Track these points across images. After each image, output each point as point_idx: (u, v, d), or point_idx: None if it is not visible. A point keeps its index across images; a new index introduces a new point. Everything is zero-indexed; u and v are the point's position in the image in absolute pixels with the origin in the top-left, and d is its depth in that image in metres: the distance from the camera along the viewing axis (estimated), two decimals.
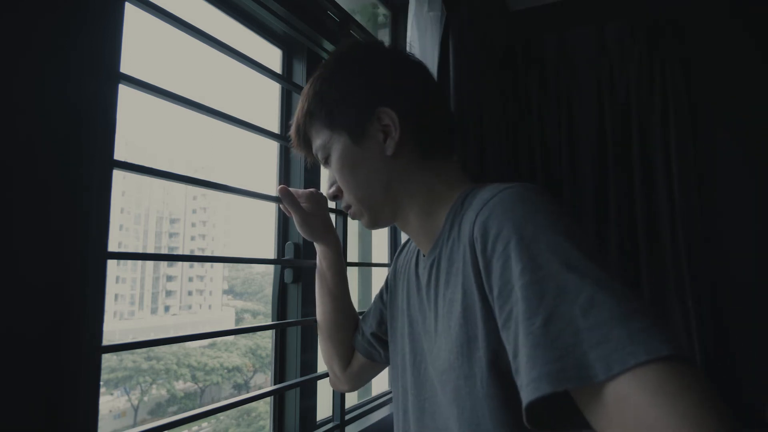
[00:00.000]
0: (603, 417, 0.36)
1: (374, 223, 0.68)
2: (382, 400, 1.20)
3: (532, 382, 0.37)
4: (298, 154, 0.73)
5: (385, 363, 0.82)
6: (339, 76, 0.64)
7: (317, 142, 0.66)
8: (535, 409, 0.38)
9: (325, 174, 1.06)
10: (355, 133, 0.62)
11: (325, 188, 0.71)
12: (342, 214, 0.99)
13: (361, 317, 0.86)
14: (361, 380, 0.87)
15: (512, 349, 0.42)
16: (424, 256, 0.66)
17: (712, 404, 0.32)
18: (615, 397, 0.34)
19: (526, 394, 0.37)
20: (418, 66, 0.67)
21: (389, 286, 0.80)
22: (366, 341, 0.82)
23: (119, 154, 0.57)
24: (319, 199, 0.84)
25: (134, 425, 0.63)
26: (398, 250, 0.82)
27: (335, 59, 0.66)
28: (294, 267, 0.99)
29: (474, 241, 0.50)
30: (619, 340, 0.35)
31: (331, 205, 0.92)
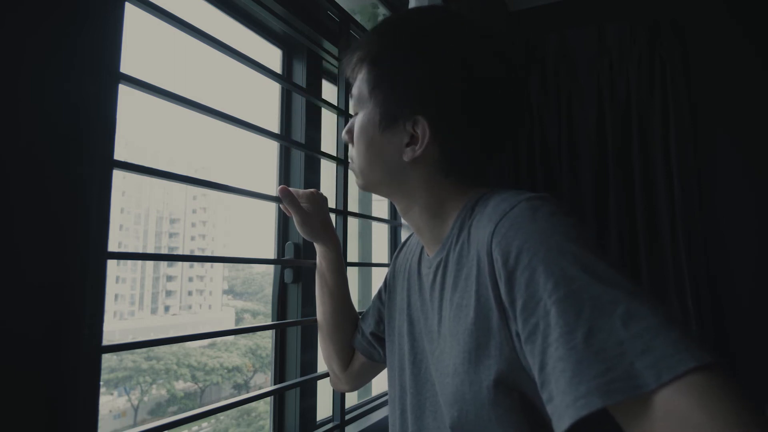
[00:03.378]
0: (650, 425, 0.35)
1: (365, 189, 0.68)
2: (382, 400, 1.20)
3: (581, 398, 0.36)
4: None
5: (385, 362, 0.82)
6: (406, 53, 0.59)
7: (354, 90, 0.64)
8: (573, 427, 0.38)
9: (324, 174, 1.06)
10: (386, 121, 0.60)
11: (342, 133, 0.70)
12: (342, 214, 0.99)
13: (360, 317, 0.87)
14: (361, 380, 0.87)
15: (538, 361, 0.41)
16: (428, 255, 0.66)
17: (752, 411, 0.33)
18: (664, 405, 0.34)
19: (574, 410, 0.36)
20: (499, 67, 0.59)
21: (388, 285, 0.79)
22: (365, 341, 0.82)
23: (119, 154, 0.57)
24: (319, 200, 0.84)
25: (134, 425, 0.63)
26: (397, 250, 0.82)
27: (414, 30, 0.60)
28: (294, 267, 0.99)
29: (492, 251, 0.49)
30: (664, 349, 0.35)
31: (331, 204, 0.92)
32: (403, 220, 0.94)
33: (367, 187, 0.67)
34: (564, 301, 0.40)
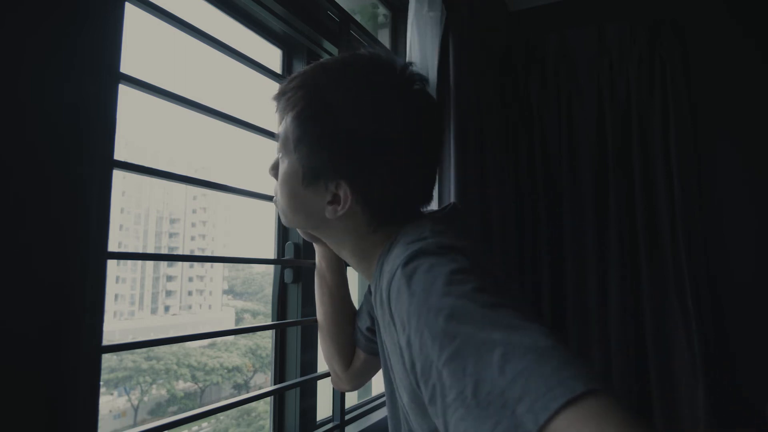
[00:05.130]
0: None
1: (288, 225, 0.70)
2: (382, 400, 1.20)
3: None
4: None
5: None
6: (324, 114, 0.59)
7: (281, 131, 0.63)
8: None
9: None
10: (308, 177, 0.60)
11: (267, 169, 0.69)
12: None
13: (357, 313, 0.87)
14: (362, 378, 0.87)
15: (443, 423, 0.42)
16: None
17: (633, 428, 0.33)
18: None
19: None
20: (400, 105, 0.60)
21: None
22: (363, 336, 0.83)
23: (119, 154, 0.57)
24: None
25: (134, 425, 0.63)
26: None
27: (343, 81, 0.60)
28: (294, 267, 0.99)
29: (392, 313, 0.50)
30: (538, 389, 0.35)
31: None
32: None
33: (291, 225, 0.69)
34: (451, 362, 0.41)
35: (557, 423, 0.34)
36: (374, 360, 0.84)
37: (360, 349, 0.84)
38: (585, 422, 0.33)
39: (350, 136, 0.58)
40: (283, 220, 0.69)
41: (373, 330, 0.81)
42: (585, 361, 0.38)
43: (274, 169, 0.67)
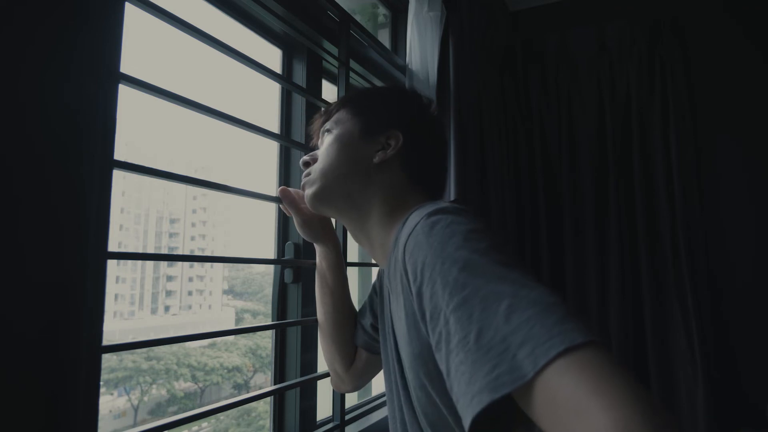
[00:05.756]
0: (539, 410, 0.37)
1: (318, 197, 0.71)
2: (382, 400, 1.20)
3: (476, 396, 0.39)
4: (313, 136, 0.81)
5: None
6: (377, 94, 0.77)
7: (335, 116, 0.73)
8: (479, 422, 0.40)
9: None
10: (367, 130, 0.70)
11: (300, 160, 0.77)
12: None
13: (358, 312, 0.87)
14: (364, 378, 0.87)
15: (445, 368, 0.44)
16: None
17: (628, 381, 0.34)
18: (545, 389, 0.36)
19: (471, 409, 0.39)
20: (429, 111, 0.77)
21: (381, 280, 0.81)
22: (367, 335, 0.83)
23: (119, 154, 0.57)
24: None
25: (134, 425, 0.63)
26: None
27: (373, 88, 0.82)
28: (294, 267, 0.99)
29: (406, 268, 0.53)
30: (539, 336, 0.37)
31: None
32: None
33: (322, 194, 0.71)
34: (459, 309, 0.43)
35: (554, 368, 0.36)
36: (376, 359, 0.84)
37: (362, 349, 0.84)
38: (580, 370, 0.35)
39: (397, 100, 0.75)
40: (311, 192, 0.71)
41: (376, 327, 0.82)
42: (583, 318, 0.40)
43: (311, 156, 0.75)
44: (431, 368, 0.54)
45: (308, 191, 0.72)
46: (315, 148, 0.80)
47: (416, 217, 0.55)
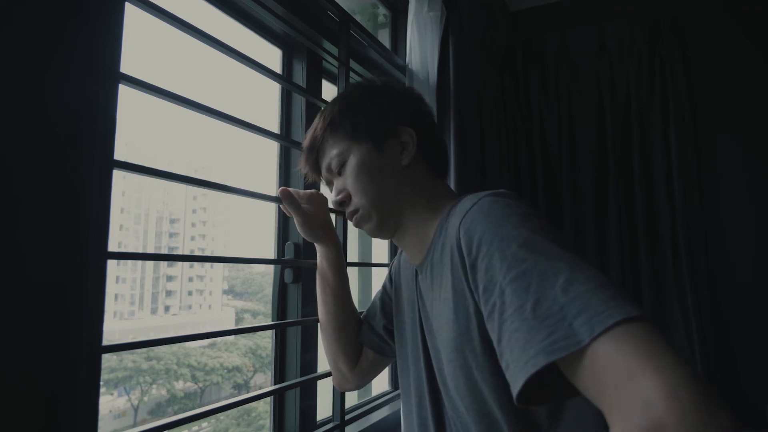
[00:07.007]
0: (590, 377, 0.39)
1: (379, 228, 0.71)
2: (382, 400, 1.20)
3: (531, 359, 0.41)
4: (302, 171, 0.78)
5: (394, 356, 0.83)
6: (366, 97, 0.73)
7: (333, 152, 0.71)
8: (527, 388, 0.42)
9: None
10: (376, 142, 0.70)
11: (331, 197, 0.75)
12: (342, 214, 0.99)
13: (366, 314, 0.88)
14: (368, 377, 0.88)
15: (497, 336, 0.47)
16: (415, 264, 0.72)
17: (677, 353, 0.37)
18: (600, 355, 0.38)
19: (525, 370, 0.41)
20: (424, 101, 0.78)
21: (393, 280, 0.83)
22: (377, 336, 0.84)
23: (119, 154, 0.57)
24: (320, 200, 0.84)
25: (134, 425, 0.63)
26: (399, 250, 0.83)
27: (360, 87, 0.75)
28: (294, 267, 0.99)
29: (460, 244, 0.55)
30: (597, 307, 0.40)
31: (331, 205, 0.92)
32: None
33: (382, 223, 0.71)
34: (516, 281, 0.46)
35: (609, 336, 0.38)
36: (381, 360, 0.86)
37: (369, 349, 0.86)
38: (633, 341, 0.38)
39: (394, 100, 0.73)
40: (373, 224, 0.71)
41: (388, 329, 0.83)
42: (634, 296, 0.43)
43: (342, 192, 0.72)
44: (476, 345, 0.56)
45: (368, 227, 0.72)
46: (313, 184, 0.84)
47: (471, 200, 0.57)
